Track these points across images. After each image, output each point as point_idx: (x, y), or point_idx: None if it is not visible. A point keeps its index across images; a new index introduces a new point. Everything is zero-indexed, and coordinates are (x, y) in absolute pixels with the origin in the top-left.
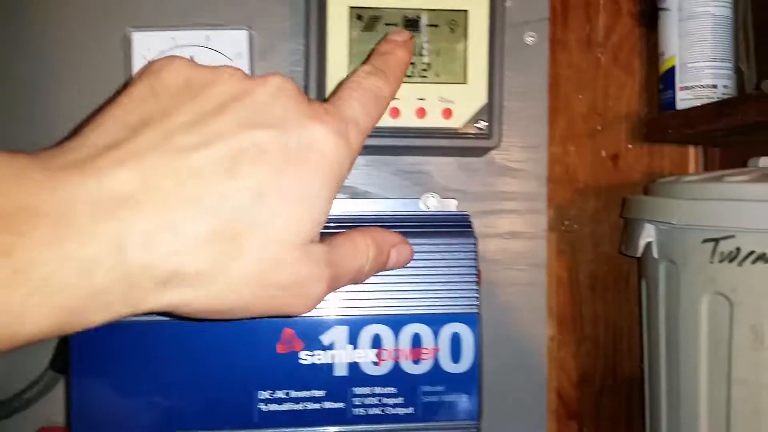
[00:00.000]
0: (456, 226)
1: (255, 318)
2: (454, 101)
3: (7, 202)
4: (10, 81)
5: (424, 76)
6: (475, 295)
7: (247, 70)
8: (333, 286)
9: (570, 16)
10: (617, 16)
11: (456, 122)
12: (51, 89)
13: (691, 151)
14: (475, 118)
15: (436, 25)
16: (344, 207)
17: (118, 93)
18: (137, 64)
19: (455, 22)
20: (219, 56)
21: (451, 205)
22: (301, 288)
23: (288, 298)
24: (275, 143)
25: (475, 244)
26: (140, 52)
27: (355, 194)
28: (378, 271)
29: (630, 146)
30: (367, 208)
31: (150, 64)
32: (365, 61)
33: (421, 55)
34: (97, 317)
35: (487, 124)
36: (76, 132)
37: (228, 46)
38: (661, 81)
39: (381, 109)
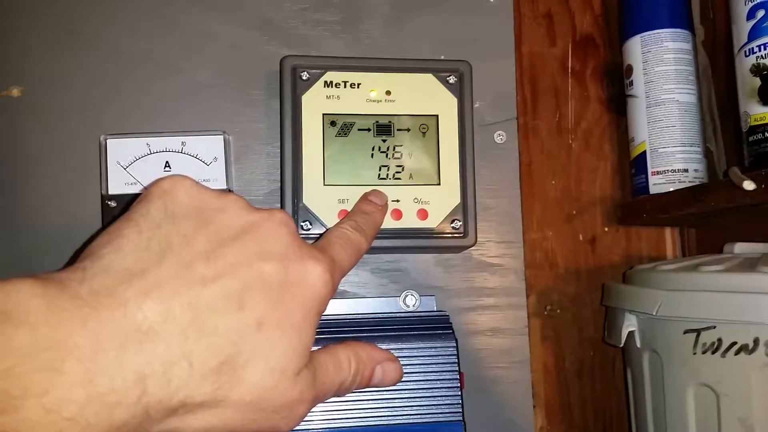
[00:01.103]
0: (436, 328)
1: None
2: (429, 202)
3: (44, 336)
4: None
5: (399, 179)
6: (459, 401)
7: (223, 174)
8: (316, 404)
9: (540, 104)
10: (586, 103)
11: (431, 222)
12: (27, 191)
13: (668, 232)
14: (450, 218)
15: (407, 129)
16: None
17: (127, 205)
18: (112, 170)
19: (426, 126)
20: (195, 161)
21: (431, 303)
22: (289, 410)
23: (276, 420)
24: (276, 275)
25: (455, 347)
26: (114, 158)
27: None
28: (362, 387)
29: (606, 229)
30: (346, 308)
31: (158, 183)
32: (349, 215)
33: (394, 158)
34: None
35: (461, 223)
36: (88, 248)
37: (204, 150)
38: (632, 165)
39: (357, 259)
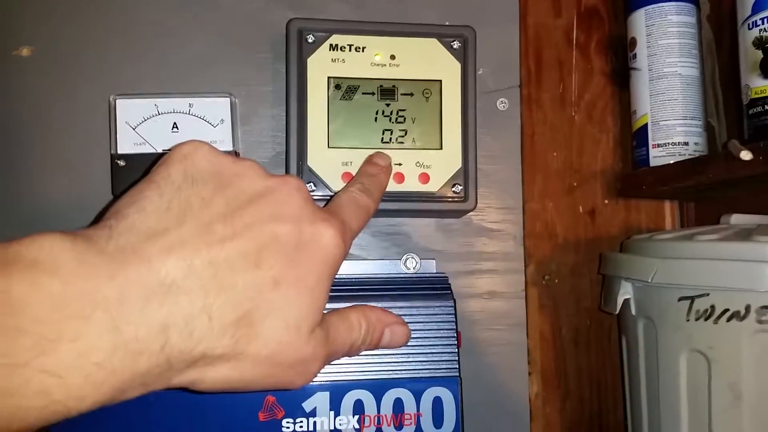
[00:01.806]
0: (435, 288)
1: (263, 391)
2: (431, 166)
3: (74, 287)
4: None
5: (401, 143)
6: (455, 358)
7: (230, 136)
8: (328, 362)
9: (544, 76)
10: (590, 76)
11: (433, 186)
12: (36, 152)
13: (667, 205)
14: (451, 182)
15: (411, 94)
16: None
17: (148, 169)
18: (121, 130)
19: (429, 91)
20: (202, 123)
21: (431, 266)
22: (303, 366)
23: (291, 375)
24: (291, 236)
25: (453, 306)
26: (123, 118)
27: None
28: (371, 348)
29: (606, 201)
30: (348, 270)
31: (178, 148)
32: (355, 178)
33: (398, 122)
34: (134, 393)
35: (462, 187)
36: (112, 208)
37: (211, 112)
38: (634, 138)
39: (367, 221)
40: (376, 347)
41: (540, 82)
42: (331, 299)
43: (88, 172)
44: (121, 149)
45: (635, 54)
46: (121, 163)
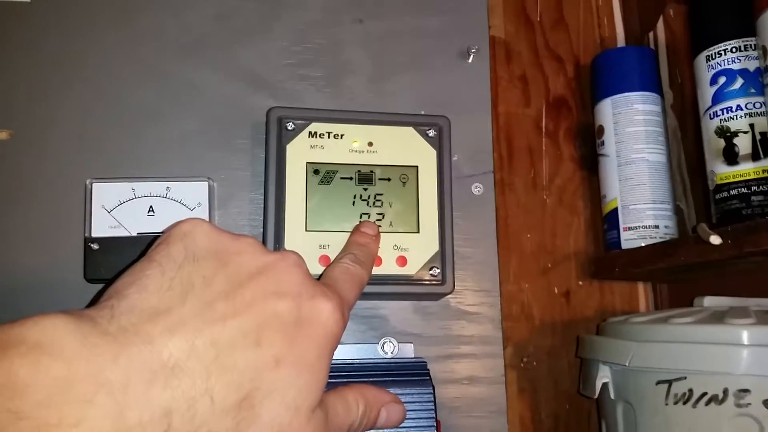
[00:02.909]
0: (413, 374)
1: None
2: (408, 249)
3: (78, 369)
4: None
5: (379, 226)
6: None
7: (207, 219)
8: None
9: (515, 161)
10: (560, 161)
11: (410, 269)
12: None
13: (641, 287)
14: (429, 265)
15: (388, 179)
16: None
17: (144, 250)
18: (96, 213)
19: (406, 176)
20: (179, 206)
21: (408, 350)
22: None
23: None
24: (291, 313)
25: (432, 393)
26: (99, 201)
27: None
28: (368, 428)
29: (580, 283)
30: None
31: (178, 226)
32: (346, 248)
33: (375, 206)
34: None
35: (439, 270)
36: (111, 288)
37: (189, 196)
38: (605, 221)
39: (361, 292)
40: (373, 427)
41: (512, 167)
42: None
43: (62, 253)
44: (95, 232)
45: (603, 141)
46: (95, 246)
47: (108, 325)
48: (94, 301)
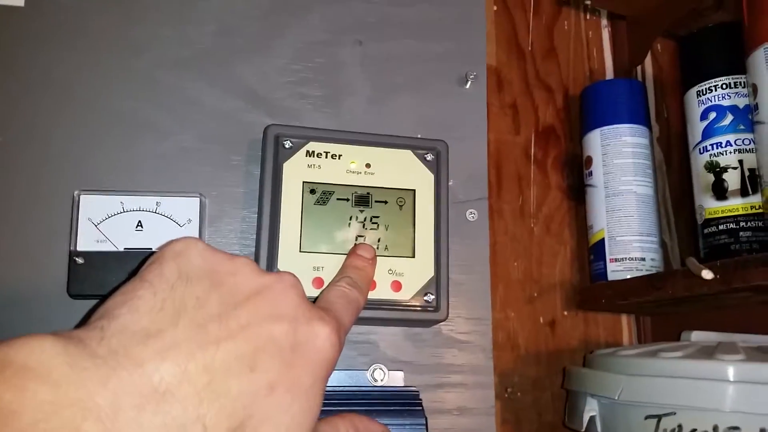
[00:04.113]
0: (406, 404)
1: None
2: (403, 274)
3: (66, 394)
4: None
5: (376, 248)
6: None
7: (196, 236)
8: None
9: (504, 188)
10: (547, 190)
11: (405, 295)
12: None
13: (624, 319)
14: (423, 291)
15: (385, 202)
16: None
17: (139, 266)
18: (82, 226)
19: (403, 199)
20: (169, 222)
21: (398, 378)
22: None
23: None
24: (287, 337)
25: (425, 425)
26: (86, 214)
27: None
28: None
29: (566, 313)
30: None
31: (171, 245)
32: (342, 271)
33: (371, 229)
34: None
35: (434, 297)
36: (101, 308)
37: (179, 211)
38: (591, 252)
39: (357, 316)
40: None
41: (501, 194)
42: None
43: (45, 267)
44: (81, 246)
45: (591, 171)
46: (80, 260)
47: (97, 347)
48: (84, 321)
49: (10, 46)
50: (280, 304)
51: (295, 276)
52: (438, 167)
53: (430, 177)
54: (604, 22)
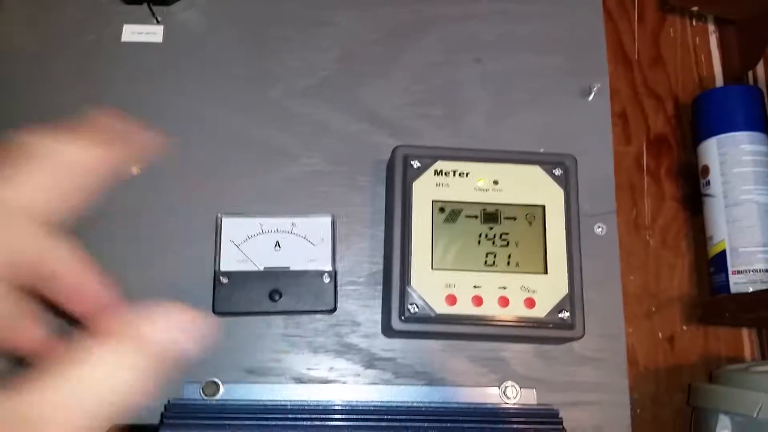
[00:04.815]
0: (544, 423)
1: None
2: (536, 291)
3: None
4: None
5: (506, 265)
6: None
7: (329, 254)
8: None
9: (617, 199)
10: (662, 201)
11: (539, 312)
12: (140, 270)
13: (745, 333)
14: (558, 308)
15: (514, 218)
16: (424, 395)
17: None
18: (225, 247)
19: (533, 215)
20: (304, 242)
21: (531, 396)
22: None
23: None
24: None
25: None
26: (228, 236)
27: (431, 381)
28: None
29: (685, 328)
30: (446, 396)
31: None
32: None
33: (501, 246)
34: None
35: (569, 314)
36: None
37: (313, 231)
38: (711, 264)
39: None
40: None
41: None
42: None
43: (193, 287)
44: (224, 266)
45: (708, 181)
46: (224, 280)
47: None
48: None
49: (150, 79)
50: None
51: None
52: (567, 182)
53: (559, 192)
54: (712, 27)
